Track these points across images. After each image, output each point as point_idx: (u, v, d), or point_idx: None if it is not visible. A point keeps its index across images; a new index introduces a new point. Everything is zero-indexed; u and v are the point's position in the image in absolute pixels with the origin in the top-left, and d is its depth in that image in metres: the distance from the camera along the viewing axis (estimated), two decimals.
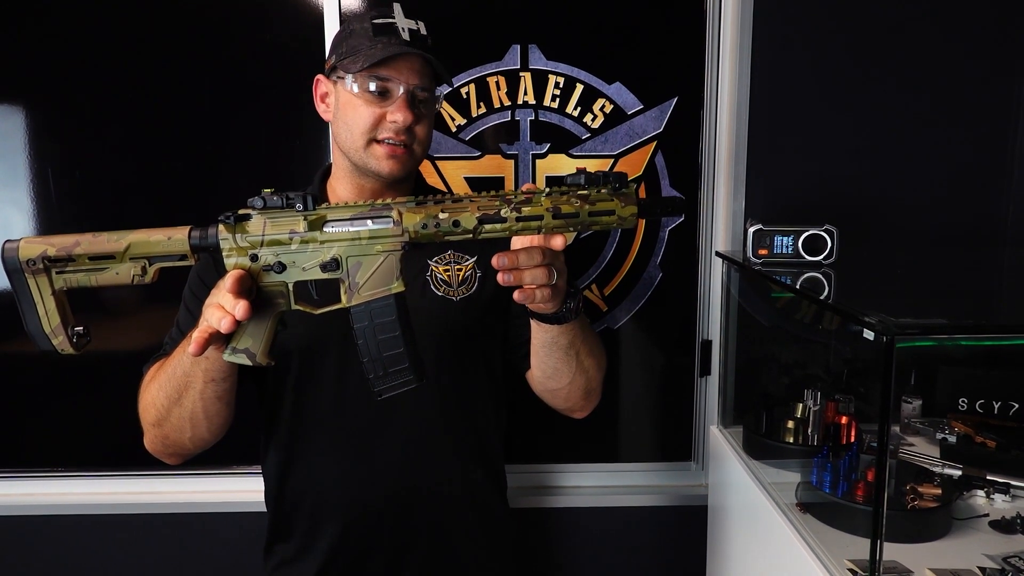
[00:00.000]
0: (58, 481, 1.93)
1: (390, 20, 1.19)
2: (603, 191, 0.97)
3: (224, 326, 0.93)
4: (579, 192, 0.97)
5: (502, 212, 0.96)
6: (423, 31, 1.22)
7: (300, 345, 1.24)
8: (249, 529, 1.82)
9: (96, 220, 1.81)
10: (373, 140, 1.20)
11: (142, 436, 1.26)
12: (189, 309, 1.27)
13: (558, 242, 0.99)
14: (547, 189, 0.97)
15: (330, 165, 1.34)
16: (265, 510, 1.38)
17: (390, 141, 1.19)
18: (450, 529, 1.32)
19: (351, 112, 1.20)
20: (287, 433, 1.30)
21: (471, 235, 0.97)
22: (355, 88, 1.19)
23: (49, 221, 1.84)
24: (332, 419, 1.28)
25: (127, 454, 1.90)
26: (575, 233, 1.02)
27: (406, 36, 1.18)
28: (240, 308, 0.93)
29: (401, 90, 1.18)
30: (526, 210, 0.96)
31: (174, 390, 1.14)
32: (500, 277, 0.99)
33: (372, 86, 1.18)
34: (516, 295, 1.03)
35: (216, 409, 1.15)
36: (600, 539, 1.95)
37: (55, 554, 1.93)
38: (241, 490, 1.88)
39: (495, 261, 0.98)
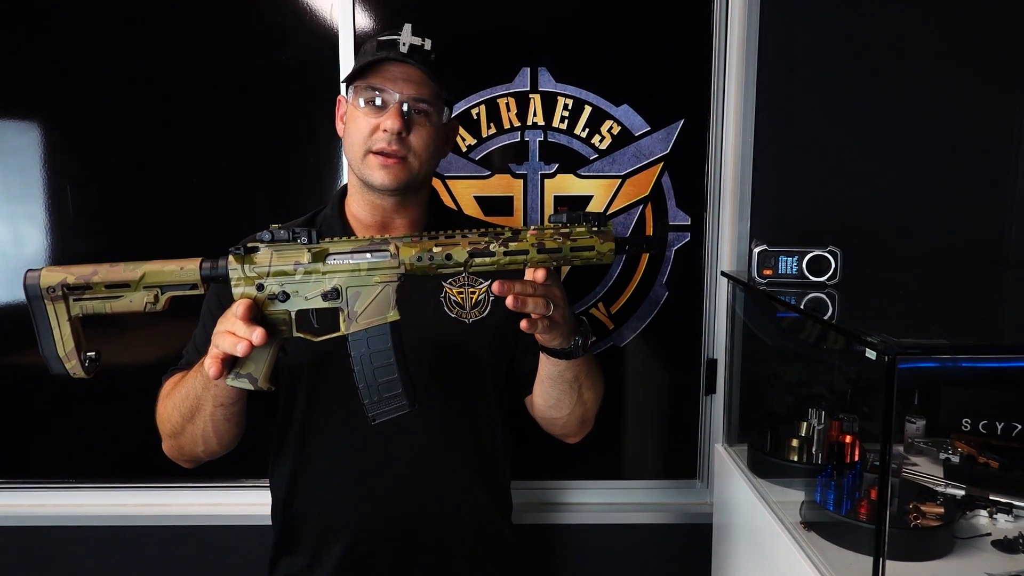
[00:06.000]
0: (64, 493, 1.95)
1: (394, 36, 1.22)
2: (582, 228, 1.04)
3: (240, 350, 0.98)
4: (561, 230, 1.04)
5: (491, 247, 1.03)
6: (427, 47, 1.23)
7: (311, 364, 1.26)
8: (254, 542, 1.83)
9: (112, 235, 1.87)
10: (369, 151, 1.23)
11: (148, 448, 1.30)
12: (206, 327, 1.30)
13: (540, 275, 1.05)
14: (531, 227, 1.05)
15: (347, 185, 1.37)
16: (271, 524, 1.39)
17: (383, 152, 1.22)
18: (454, 550, 1.33)
19: (352, 124, 1.24)
20: (296, 448, 1.32)
21: (462, 268, 1.04)
22: (352, 99, 1.23)
23: (65, 236, 1.87)
24: (341, 436, 1.29)
25: (132, 466, 1.93)
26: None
27: (404, 50, 1.21)
28: (257, 335, 0.98)
29: (396, 99, 1.21)
30: (513, 245, 1.03)
31: (187, 410, 1.18)
32: (509, 301, 1.04)
33: (366, 96, 1.22)
34: (522, 324, 1.09)
35: (226, 428, 1.20)
36: (604, 556, 1.95)
37: (61, 565, 1.94)
38: (247, 503, 1.90)
39: (496, 287, 1.04)
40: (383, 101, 1.22)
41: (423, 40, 1.23)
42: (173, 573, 1.94)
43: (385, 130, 1.20)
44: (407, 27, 1.23)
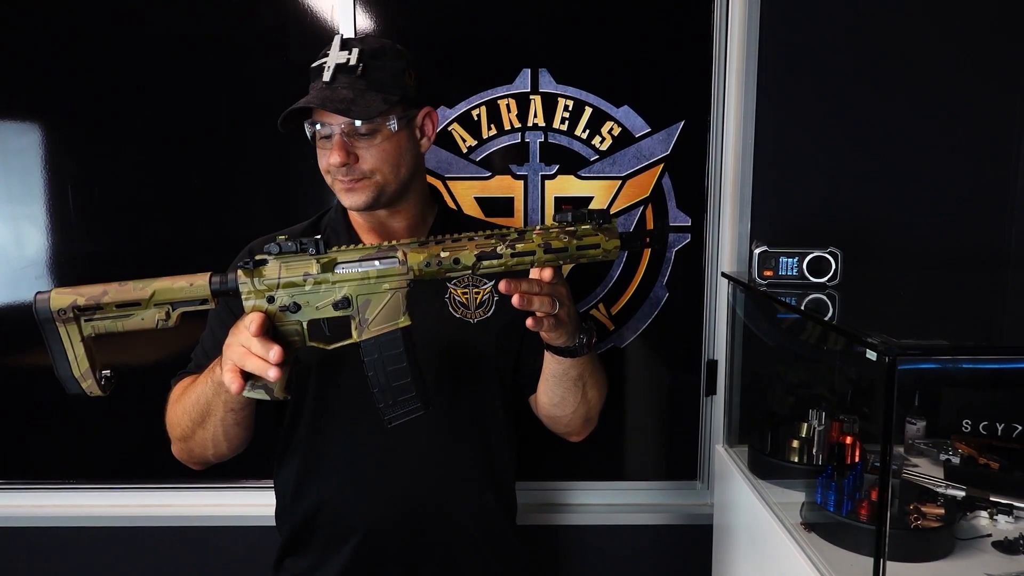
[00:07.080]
0: (66, 493, 1.95)
1: (322, 61, 1.20)
2: (588, 226, 1.06)
3: (272, 375, 0.99)
4: (567, 228, 1.06)
5: (498, 249, 1.04)
6: (352, 61, 1.18)
7: (319, 365, 1.27)
8: (259, 543, 1.84)
9: (113, 236, 1.87)
10: (334, 179, 1.23)
11: (150, 448, 1.29)
12: (214, 332, 1.31)
13: (547, 274, 1.06)
14: (538, 227, 1.06)
15: None
16: (274, 525, 1.40)
17: (341, 179, 1.21)
18: (460, 551, 1.34)
19: (318, 158, 1.24)
20: (304, 449, 1.32)
21: (470, 271, 1.05)
22: (308, 131, 1.22)
23: (66, 237, 1.88)
24: (349, 437, 1.30)
25: (134, 466, 1.93)
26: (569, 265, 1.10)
27: (327, 77, 1.18)
28: (274, 353, 0.99)
29: (336, 131, 1.18)
30: (520, 246, 1.05)
31: (198, 415, 1.19)
32: (515, 299, 1.05)
33: (313, 131, 1.21)
34: (528, 322, 1.10)
35: (235, 432, 1.21)
36: (605, 557, 1.95)
37: (62, 566, 1.94)
38: (251, 504, 1.90)
39: (502, 286, 1.04)
40: (328, 132, 1.20)
41: (349, 53, 1.18)
42: (175, 574, 1.94)
43: (332, 164, 1.19)
44: (335, 42, 1.20)
